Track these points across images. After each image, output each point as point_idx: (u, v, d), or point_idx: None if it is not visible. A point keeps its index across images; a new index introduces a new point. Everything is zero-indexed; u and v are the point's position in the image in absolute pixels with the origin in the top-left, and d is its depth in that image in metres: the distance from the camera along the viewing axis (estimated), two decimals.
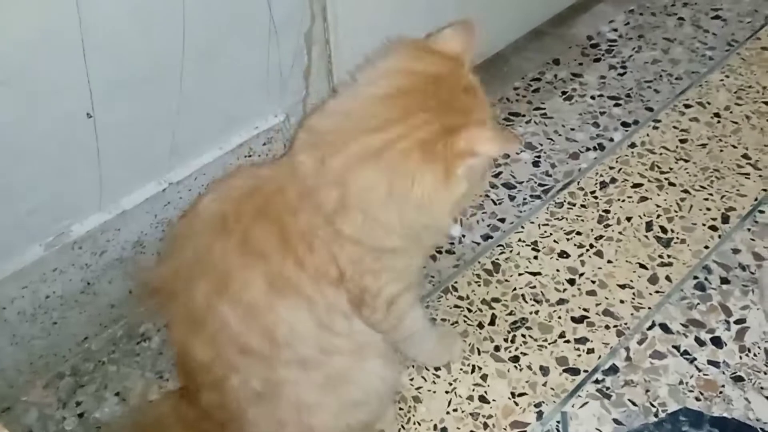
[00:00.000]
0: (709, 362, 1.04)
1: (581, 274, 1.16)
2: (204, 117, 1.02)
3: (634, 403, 1.00)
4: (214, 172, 1.06)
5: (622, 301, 1.12)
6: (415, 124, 0.74)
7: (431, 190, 0.73)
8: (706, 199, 1.26)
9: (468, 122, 0.75)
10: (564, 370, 1.04)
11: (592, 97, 1.46)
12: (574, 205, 1.27)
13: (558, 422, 0.99)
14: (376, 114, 0.75)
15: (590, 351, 1.06)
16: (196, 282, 0.78)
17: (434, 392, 1.02)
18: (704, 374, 1.03)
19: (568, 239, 1.21)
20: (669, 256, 1.18)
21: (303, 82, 1.11)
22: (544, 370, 1.04)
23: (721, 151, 1.34)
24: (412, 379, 1.03)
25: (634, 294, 1.13)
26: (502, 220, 1.25)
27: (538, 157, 1.35)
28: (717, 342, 1.07)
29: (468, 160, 0.73)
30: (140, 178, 1.01)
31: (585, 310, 1.11)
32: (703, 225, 1.22)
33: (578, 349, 1.07)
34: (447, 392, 1.02)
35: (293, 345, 0.79)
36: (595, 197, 1.28)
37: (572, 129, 1.40)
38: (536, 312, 1.11)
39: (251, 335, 0.78)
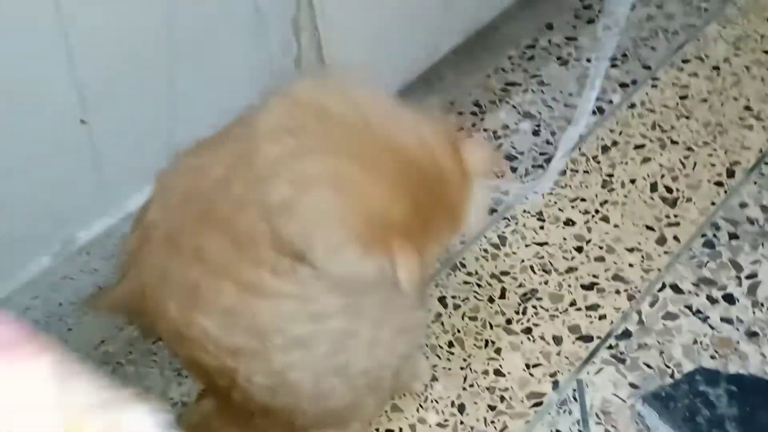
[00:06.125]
0: (723, 320, 1.04)
1: (588, 241, 1.16)
2: (198, 114, 1.01)
3: (649, 366, 1.01)
4: None
5: (631, 265, 1.12)
6: None
7: None
8: (710, 155, 1.25)
9: None
10: (577, 338, 1.04)
11: (588, 60, 1.44)
12: (577, 171, 1.26)
13: (574, 390, 0.99)
14: None
15: (602, 317, 1.06)
16: (165, 303, 0.75)
17: (449, 369, 1.03)
18: (718, 332, 1.03)
19: (573, 207, 1.21)
20: (676, 216, 1.17)
21: (295, 72, 1.10)
22: (557, 340, 1.05)
23: (723, 104, 1.33)
24: (427, 358, 1.04)
25: (642, 256, 1.13)
26: (506, 193, 1.24)
27: (538, 126, 1.34)
28: (729, 299, 1.07)
29: None
30: (142, 179, 1.00)
31: (594, 276, 1.11)
32: (709, 181, 1.21)
33: (590, 316, 1.07)
34: (462, 368, 1.03)
35: (282, 328, 0.74)
36: (598, 162, 1.27)
37: (570, 94, 1.38)
38: (545, 282, 1.11)
39: (235, 337, 0.74)
